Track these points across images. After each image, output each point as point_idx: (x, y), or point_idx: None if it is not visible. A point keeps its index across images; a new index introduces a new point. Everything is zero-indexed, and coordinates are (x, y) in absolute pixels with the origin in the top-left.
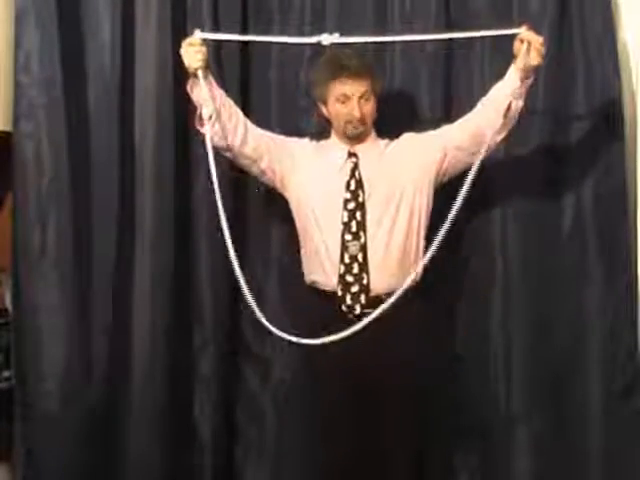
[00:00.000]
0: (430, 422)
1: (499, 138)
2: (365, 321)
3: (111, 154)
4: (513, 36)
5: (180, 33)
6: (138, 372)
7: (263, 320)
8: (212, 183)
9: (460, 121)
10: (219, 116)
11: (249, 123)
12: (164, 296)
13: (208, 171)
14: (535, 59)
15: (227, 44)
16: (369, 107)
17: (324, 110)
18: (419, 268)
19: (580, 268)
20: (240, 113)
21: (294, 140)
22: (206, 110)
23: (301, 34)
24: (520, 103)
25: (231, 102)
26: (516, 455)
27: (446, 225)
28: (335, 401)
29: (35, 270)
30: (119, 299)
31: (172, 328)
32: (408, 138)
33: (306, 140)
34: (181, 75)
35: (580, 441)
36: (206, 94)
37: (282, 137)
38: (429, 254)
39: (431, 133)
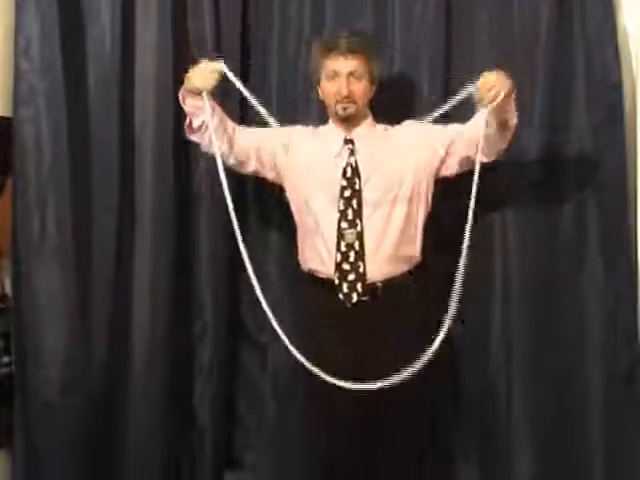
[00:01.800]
0: (430, 421)
1: (502, 147)
2: None
3: (111, 139)
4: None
5: (180, 19)
6: (138, 360)
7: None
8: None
9: (468, 124)
10: (209, 125)
11: (238, 128)
12: (164, 284)
13: (209, 162)
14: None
15: (227, 35)
16: (359, 86)
17: (320, 93)
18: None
19: (580, 257)
20: (229, 121)
21: (289, 128)
22: (197, 120)
23: (301, 25)
24: (514, 120)
25: (222, 112)
26: (517, 447)
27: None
28: (333, 391)
29: (35, 256)
30: (119, 286)
31: (172, 316)
32: (411, 125)
33: (301, 126)
34: (181, 62)
35: (582, 430)
36: (204, 110)
37: (273, 130)
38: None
39: (437, 128)
